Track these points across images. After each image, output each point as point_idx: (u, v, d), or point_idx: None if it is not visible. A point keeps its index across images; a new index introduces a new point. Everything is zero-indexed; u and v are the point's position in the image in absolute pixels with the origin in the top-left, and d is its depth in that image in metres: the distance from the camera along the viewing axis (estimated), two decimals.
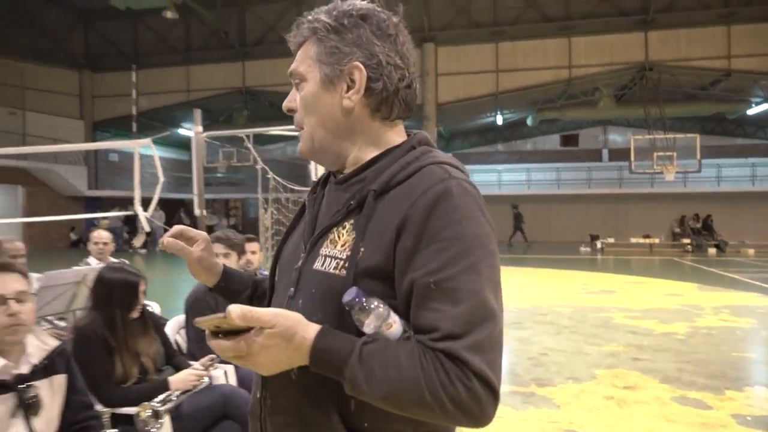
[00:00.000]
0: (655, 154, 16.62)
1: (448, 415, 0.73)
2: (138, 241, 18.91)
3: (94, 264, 4.62)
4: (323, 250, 0.89)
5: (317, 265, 0.88)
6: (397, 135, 0.93)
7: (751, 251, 17.18)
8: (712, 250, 17.77)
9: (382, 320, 0.78)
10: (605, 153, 25.23)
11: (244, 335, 0.74)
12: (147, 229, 6.22)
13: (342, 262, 0.84)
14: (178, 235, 1.07)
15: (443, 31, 18.15)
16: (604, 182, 22.85)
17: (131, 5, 14.88)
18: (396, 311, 0.80)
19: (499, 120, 21.47)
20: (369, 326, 0.78)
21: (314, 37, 0.90)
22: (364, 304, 0.78)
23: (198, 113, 6.44)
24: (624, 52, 16.68)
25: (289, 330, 0.75)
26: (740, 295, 8.64)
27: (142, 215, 6.12)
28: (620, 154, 24.84)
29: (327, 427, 0.83)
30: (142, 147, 6.37)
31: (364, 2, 0.92)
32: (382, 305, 0.79)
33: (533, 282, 10.33)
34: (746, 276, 11.11)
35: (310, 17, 0.92)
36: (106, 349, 2.23)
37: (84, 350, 2.16)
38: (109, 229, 18.42)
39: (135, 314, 2.34)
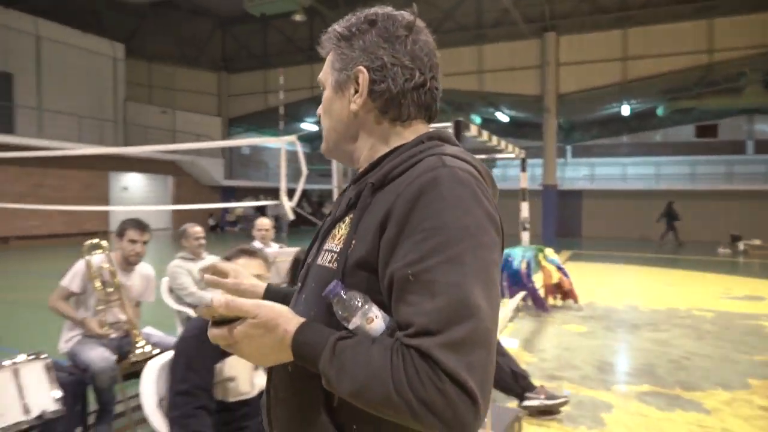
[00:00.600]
0: None
1: (418, 418, 0.67)
2: None
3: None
4: (325, 245, 0.90)
5: (319, 260, 0.90)
6: (412, 135, 0.92)
7: None
8: None
9: (360, 314, 0.76)
10: (750, 145, 22.75)
11: (231, 324, 0.78)
12: (291, 217, 6.77)
13: (335, 255, 0.85)
14: (212, 271, 1.13)
15: (565, 19, 17.47)
16: (748, 177, 20.68)
17: (265, 11, 16.05)
18: (383, 307, 0.78)
19: (625, 110, 20.23)
20: (348, 320, 0.76)
21: (331, 47, 0.94)
22: (343, 296, 0.77)
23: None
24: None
25: (270, 321, 0.77)
26: None
27: (287, 205, 6.65)
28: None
29: (318, 422, 0.82)
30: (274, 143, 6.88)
31: (381, 8, 0.93)
32: (361, 299, 0.77)
33: (666, 282, 9.73)
34: None
35: (329, 29, 0.95)
36: None
37: None
38: (244, 216, 19.97)
39: None
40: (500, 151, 6.54)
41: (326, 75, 0.95)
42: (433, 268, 0.71)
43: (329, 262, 0.86)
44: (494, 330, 0.72)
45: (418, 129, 0.93)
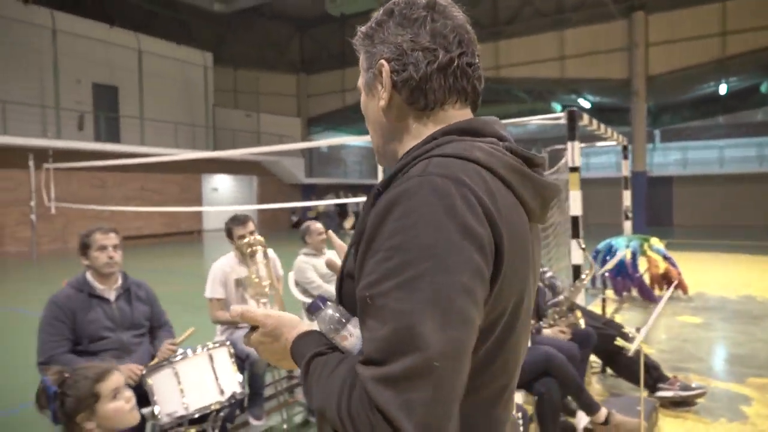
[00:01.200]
0: None
1: None
2: (348, 223, 21.11)
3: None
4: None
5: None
6: (440, 125, 0.84)
7: None
8: None
9: (333, 330, 0.77)
10: None
11: (251, 331, 0.86)
12: None
13: (342, 267, 0.86)
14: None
15: None
16: None
17: (344, 10, 16.40)
18: None
19: (722, 89, 18.88)
20: (328, 336, 0.78)
21: (360, 50, 0.90)
22: (321, 312, 0.78)
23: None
24: None
25: (275, 330, 0.83)
26: None
27: None
28: None
29: (325, 429, 0.80)
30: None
31: None
32: (339, 315, 0.77)
33: None
34: None
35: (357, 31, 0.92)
36: None
37: None
38: (325, 213, 20.38)
39: None
40: (604, 139, 6.39)
41: (359, 79, 0.92)
42: (387, 292, 0.65)
43: (339, 273, 0.87)
44: (450, 365, 0.63)
45: (454, 116, 0.84)
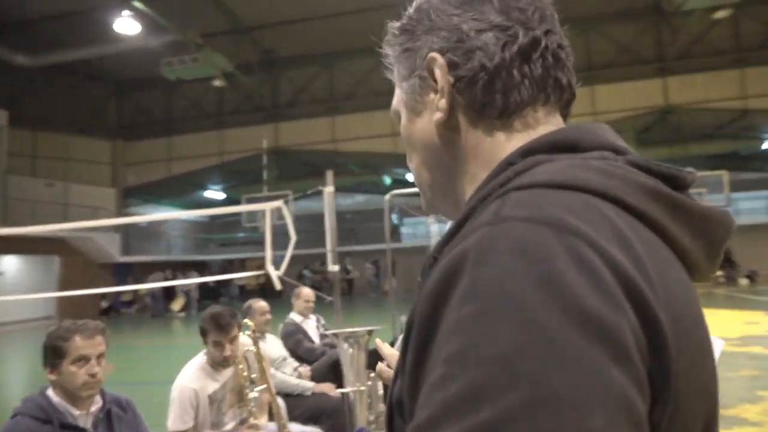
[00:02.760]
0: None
1: None
2: (177, 305, 18.96)
3: (298, 320, 4.86)
4: None
5: None
6: (522, 141, 0.55)
7: None
8: (744, 281, 18.34)
9: None
10: None
11: None
12: (279, 287, 6.44)
13: (389, 391, 0.57)
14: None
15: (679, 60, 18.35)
16: None
17: (183, 75, 15.52)
18: None
19: None
20: None
21: (392, 57, 0.65)
22: None
23: (330, 174, 6.84)
24: (645, 98, 17.70)
25: None
26: None
27: (275, 274, 6.34)
28: None
29: None
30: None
31: None
32: None
33: None
34: None
35: (385, 39, 0.66)
36: None
37: None
38: (150, 294, 18.23)
39: None
40: None
41: (396, 98, 0.65)
42: None
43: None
44: None
45: (541, 125, 0.56)
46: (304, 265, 22.72)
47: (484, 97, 0.55)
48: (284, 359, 4.10)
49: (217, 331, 2.64)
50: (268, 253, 6.37)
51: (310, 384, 3.88)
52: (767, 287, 16.13)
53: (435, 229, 7.54)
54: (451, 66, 0.56)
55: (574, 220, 0.40)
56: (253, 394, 2.80)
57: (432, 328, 0.41)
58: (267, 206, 7.07)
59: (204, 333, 2.70)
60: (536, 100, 0.56)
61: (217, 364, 2.71)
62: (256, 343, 2.87)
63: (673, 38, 16.59)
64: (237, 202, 16.59)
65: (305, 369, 4.09)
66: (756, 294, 14.26)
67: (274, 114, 20.49)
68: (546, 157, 0.49)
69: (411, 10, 0.62)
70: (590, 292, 0.37)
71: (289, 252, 6.63)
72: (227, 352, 2.64)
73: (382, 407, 3.39)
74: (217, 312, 2.71)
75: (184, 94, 21.13)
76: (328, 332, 4.14)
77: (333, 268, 6.84)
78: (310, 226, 16.46)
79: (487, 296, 0.38)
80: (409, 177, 15.32)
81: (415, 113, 0.61)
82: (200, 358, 2.78)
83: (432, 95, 0.58)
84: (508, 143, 0.55)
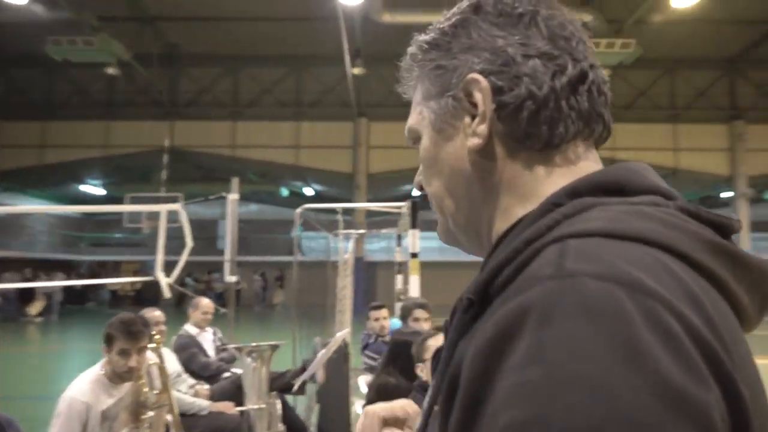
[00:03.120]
0: None
1: None
2: (35, 309, 17.01)
3: (193, 332, 4.68)
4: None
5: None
6: (566, 177, 0.52)
7: None
8: None
9: None
10: None
11: None
12: (168, 295, 6.21)
13: (423, 418, 0.54)
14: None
15: (376, 108, 19.59)
16: None
17: (72, 57, 14.24)
18: None
19: (417, 192, 23.13)
20: None
21: (417, 72, 0.62)
22: None
23: (236, 181, 6.72)
24: None
25: None
26: None
27: (164, 281, 6.13)
28: None
29: None
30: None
31: None
32: None
33: None
34: None
35: (409, 50, 0.62)
36: None
37: None
38: (2, 296, 16.39)
39: None
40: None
41: (418, 117, 0.61)
42: None
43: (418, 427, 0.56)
44: None
45: (582, 162, 0.54)
46: (186, 272, 21.56)
47: (529, 127, 0.52)
48: (179, 375, 3.91)
49: (127, 338, 2.47)
50: (160, 258, 6.05)
51: (205, 403, 3.73)
52: None
53: (340, 246, 7.57)
54: (495, 90, 0.53)
55: (648, 279, 0.36)
56: (150, 413, 2.64)
57: (483, 389, 0.37)
58: (163, 208, 6.71)
59: (110, 340, 2.51)
60: (580, 135, 0.53)
61: (118, 376, 2.53)
62: (160, 357, 2.73)
63: None
64: (118, 200, 15.40)
65: (203, 387, 3.91)
66: None
67: (172, 111, 19.40)
68: (595, 201, 0.46)
69: (444, 24, 0.58)
70: (674, 364, 0.33)
71: (184, 258, 6.35)
72: (133, 363, 2.48)
73: (281, 427, 3.35)
74: (128, 318, 2.54)
75: (69, 78, 19.29)
76: (230, 346, 4.01)
77: (230, 278, 6.64)
78: (198, 232, 15.70)
79: (557, 362, 0.34)
80: (307, 191, 15.04)
81: (444, 136, 0.58)
82: (96, 370, 2.57)
83: (467, 119, 0.55)
84: (547, 178, 0.53)
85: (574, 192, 0.48)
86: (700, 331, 0.36)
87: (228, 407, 3.69)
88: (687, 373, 0.33)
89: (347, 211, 19.21)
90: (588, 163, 0.54)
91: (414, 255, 4.51)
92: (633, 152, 18.87)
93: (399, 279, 7.62)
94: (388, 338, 4.76)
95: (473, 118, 0.55)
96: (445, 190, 0.59)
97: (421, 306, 3.60)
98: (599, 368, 0.33)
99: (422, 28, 0.62)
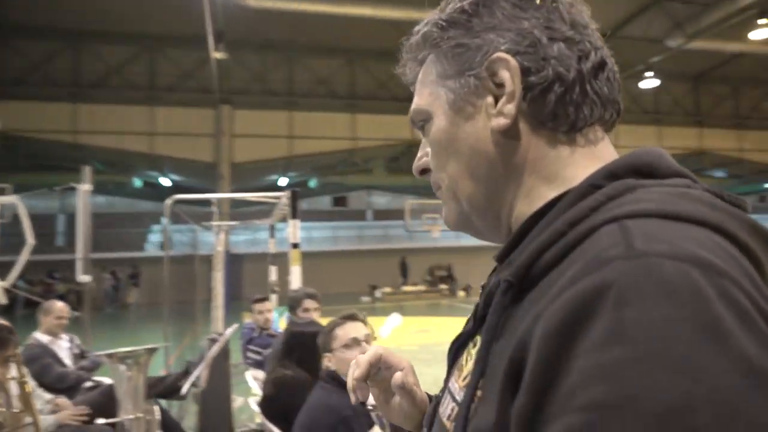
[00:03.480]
0: (424, 216, 20.12)
1: None
2: None
3: (45, 340, 4.22)
4: (450, 381, 0.57)
5: (441, 406, 0.57)
6: (592, 161, 0.53)
7: None
8: (462, 293, 22.10)
9: None
10: (369, 213, 28.76)
11: None
12: (4, 301, 5.60)
13: (456, 409, 0.52)
14: (375, 366, 0.73)
15: (239, 95, 18.83)
16: (373, 239, 26.04)
17: None
18: None
19: (283, 181, 22.78)
20: None
21: (429, 52, 0.59)
22: None
23: (88, 171, 6.18)
24: (397, 131, 19.96)
25: None
26: None
27: None
28: (382, 215, 28.63)
29: None
30: None
31: None
32: None
33: None
34: None
35: (417, 28, 0.61)
36: None
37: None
38: None
39: None
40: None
41: (429, 96, 0.60)
42: None
43: (448, 418, 0.54)
44: None
45: (601, 148, 0.55)
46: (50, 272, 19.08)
47: (557, 109, 0.53)
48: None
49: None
50: None
51: (50, 419, 3.29)
52: (477, 298, 19.79)
53: (214, 239, 7.20)
54: (524, 70, 0.52)
55: (717, 259, 0.37)
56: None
57: (557, 371, 0.37)
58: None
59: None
60: (600, 119, 0.55)
61: None
62: (20, 369, 2.41)
63: None
64: None
65: (64, 400, 3.49)
66: (470, 303, 17.37)
67: None
68: (636, 183, 0.47)
69: (464, 3, 0.56)
70: (751, 342, 0.34)
71: (24, 258, 5.67)
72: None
73: None
74: None
75: None
76: (96, 353, 3.64)
77: (84, 278, 6.04)
78: (33, 228, 13.86)
79: (641, 341, 0.34)
80: (164, 181, 13.94)
81: (464, 116, 0.56)
82: None
83: (489, 98, 0.54)
84: (571, 159, 0.53)
85: (612, 174, 0.49)
86: (765, 308, 0.37)
87: (77, 412, 3.32)
88: (763, 349, 0.35)
89: (206, 203, 18.33)
90: (605, 146, 0.56)
91: (295, 245, 4.46)
92: None
93: (273, 270, 7.47)
94: (272, 331, 4.66)
95: (496, 98, 0.54)
96: (464, 172, 0.57)
97: (311, 296, 3.57)
98: (684, 348, 0.34)
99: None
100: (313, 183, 22.53)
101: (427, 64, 0.60)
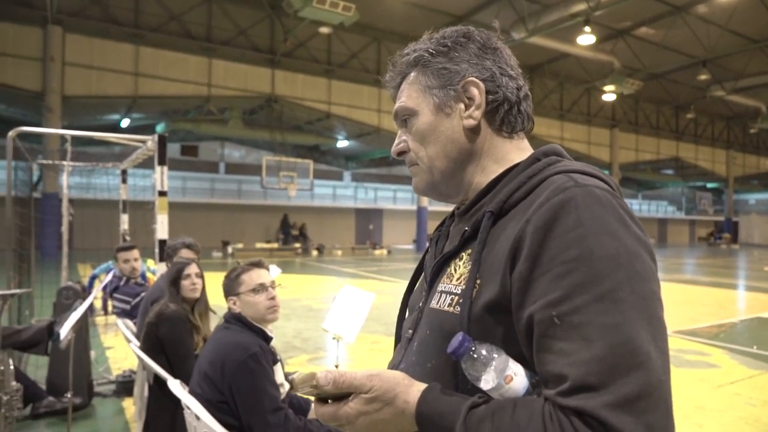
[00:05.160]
0: (281, 173, 19.83)
1: None
2: None
3: None
4: (440, 286, 0.81)
5: (433, 303, 0.80)
6: (521, 151, 0.87)
7: (339, 252, 22.65)
8: (315, 252, 22.42)
9: (496, 372, 0.64)
10: (222, 166, 27.47)
11: (342, 402, 0.69)
12: None
13: (456, 298, 0.75)
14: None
15: (73, 17, 16.52)
16: (225, 192, 25.03)
17: None
18: (522, 359, 0.66)
19: (125, 122, 20.72)
20: (482, 380, 0.65)
21: (417, 69, 0.87)
22: (473, 353, 0.65)
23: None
24: (255, 83, 19.18)
25: (387, 393, 0.68)
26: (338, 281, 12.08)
27: None
28: (236, 168, 27.56)
29: None
30: None
31: (460, 27, 0.89)
32: (495, 353, 0.66)
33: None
34: (348, 267, 15.14)
35: (406, 52, 0.89)
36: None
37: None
38: None
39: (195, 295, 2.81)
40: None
41: (416, 99, 0.86)
42: (582, 307, 0.61)
43: (449, 305, 0.76)
44: (668, 381, 0.60)
45: (525, 145, 0.88)
46: None
47: (503, 120, 0.85)
48: None
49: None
50: None
51: None
52: (330, 257, 20.17)
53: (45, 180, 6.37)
54: (488, 92, 0.84)
55: (614, 189, 0.75)
56: None
57: (545, 245, 0.67)
58: None
59: None
60: (525, 127, 0.89)
61: None
62: None
63: (284, 36, 18.53)
64: None
65: None
66: (323, 263, 17.70)
67: None
68: (557, 158, 0.82)
69: (447, 41, 0.86)
70: (636, 225, 0.70)
71: None
72: None
73: (16, 385, 2.83)
74: None
75: None
76: None
77: None
78: None
79: (591, 225, 0.66)
80: None
81: (443, 115, 0.85)
82: None
83: (462, 105, 0.85)
84: (511, 149, 0.87)
85: (543, 153, 0.84)
86: (635, 217, 0.72)
87: None
88: (641, 230, 0.71)
89: (25, 136, 15.97)
90: (527, 143, 0.90)
91: (162, 193, 4.16)
92: (346, 108, 20.70)
93: (125, 218, 6.99)
94: (140, 280, 4.41)
95: (466, 106, 0.84)
96: (441, 153, 0.85)
97: (188, 246, 3.52)
98: (611, 227, 0.67)
99: None
100: (160, 128, 20.83)
101: (412, 76, 0.88)
